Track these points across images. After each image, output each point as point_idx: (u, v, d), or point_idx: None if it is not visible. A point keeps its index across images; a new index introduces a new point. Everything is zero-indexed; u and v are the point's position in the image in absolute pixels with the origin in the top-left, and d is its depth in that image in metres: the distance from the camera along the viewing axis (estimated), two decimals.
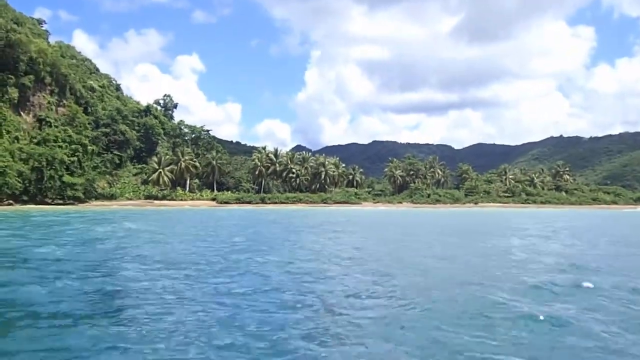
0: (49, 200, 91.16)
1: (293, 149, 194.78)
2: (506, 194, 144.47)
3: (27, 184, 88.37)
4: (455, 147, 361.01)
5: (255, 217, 59.50)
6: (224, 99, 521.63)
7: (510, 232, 36.36)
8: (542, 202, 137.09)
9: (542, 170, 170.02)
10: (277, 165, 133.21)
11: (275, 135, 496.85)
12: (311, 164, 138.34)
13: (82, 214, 59.13)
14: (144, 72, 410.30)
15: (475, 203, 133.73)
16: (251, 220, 51.65)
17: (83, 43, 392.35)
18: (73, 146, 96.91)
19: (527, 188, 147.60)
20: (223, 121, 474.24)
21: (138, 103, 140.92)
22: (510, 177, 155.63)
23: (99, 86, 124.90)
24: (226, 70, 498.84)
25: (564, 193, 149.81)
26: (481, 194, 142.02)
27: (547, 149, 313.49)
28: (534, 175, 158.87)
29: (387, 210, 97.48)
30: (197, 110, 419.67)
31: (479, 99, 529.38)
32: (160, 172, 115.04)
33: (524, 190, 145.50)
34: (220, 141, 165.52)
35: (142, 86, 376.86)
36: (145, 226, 38.58)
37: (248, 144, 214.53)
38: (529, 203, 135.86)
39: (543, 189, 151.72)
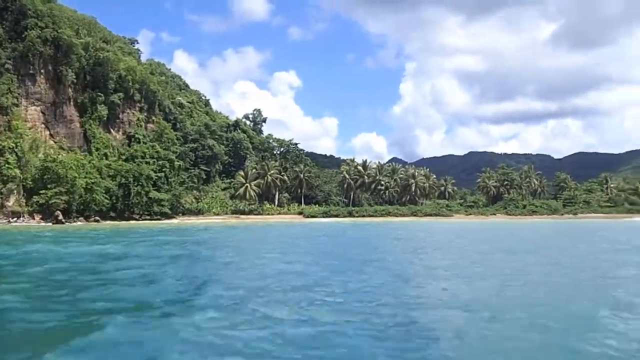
0: (136, 217, 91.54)
1: (389, 161, 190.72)
2: (608, 204, 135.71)
3: (115, 200, 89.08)
4: (555, 157, 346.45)
5: (329, 241, 55.32)
6: (320, 114, 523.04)
7: None
8: None
9: None
10: (366, 177, 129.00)
11: (371, 149, 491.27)
12: (401, 175, 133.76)
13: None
14: (242, 89, 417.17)
15: (575, 214, 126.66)
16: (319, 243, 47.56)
17: (183, 62, 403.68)
18: (160, 162, 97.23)
19: (630, 197, 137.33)
20: (320, 135, 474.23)
21: (227, 118, 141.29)
22: (612, 186, 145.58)
23: (188, 102, 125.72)
24: (322, 85, 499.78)
25: None
26: (580, 204, 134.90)
27: None
28: (639, 184, 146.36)
29: (477, 224, 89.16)
30: (294, 125, 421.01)
31: (579, 107, 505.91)
32: (247, 186, 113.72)
33: (626, 200, 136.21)
34: (312, 155, 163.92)
35: (241, 103, 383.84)
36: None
37: (342, 157, 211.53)
38: (632, 213, 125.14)
39: None
